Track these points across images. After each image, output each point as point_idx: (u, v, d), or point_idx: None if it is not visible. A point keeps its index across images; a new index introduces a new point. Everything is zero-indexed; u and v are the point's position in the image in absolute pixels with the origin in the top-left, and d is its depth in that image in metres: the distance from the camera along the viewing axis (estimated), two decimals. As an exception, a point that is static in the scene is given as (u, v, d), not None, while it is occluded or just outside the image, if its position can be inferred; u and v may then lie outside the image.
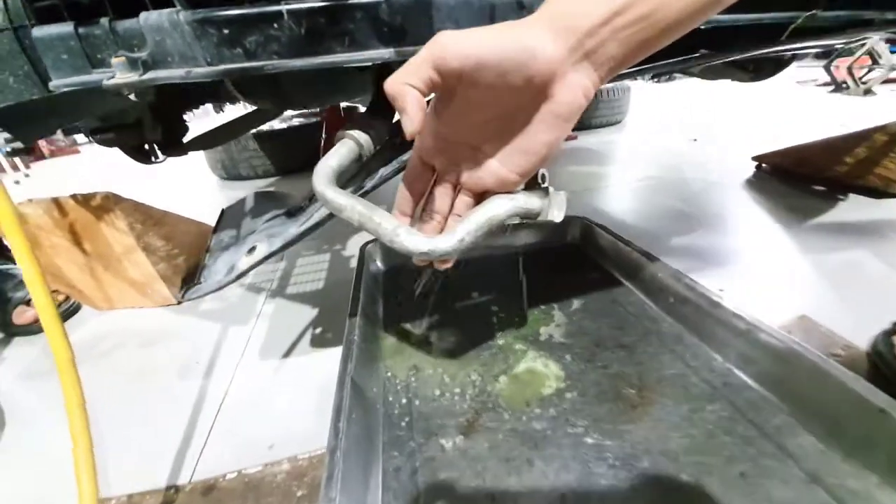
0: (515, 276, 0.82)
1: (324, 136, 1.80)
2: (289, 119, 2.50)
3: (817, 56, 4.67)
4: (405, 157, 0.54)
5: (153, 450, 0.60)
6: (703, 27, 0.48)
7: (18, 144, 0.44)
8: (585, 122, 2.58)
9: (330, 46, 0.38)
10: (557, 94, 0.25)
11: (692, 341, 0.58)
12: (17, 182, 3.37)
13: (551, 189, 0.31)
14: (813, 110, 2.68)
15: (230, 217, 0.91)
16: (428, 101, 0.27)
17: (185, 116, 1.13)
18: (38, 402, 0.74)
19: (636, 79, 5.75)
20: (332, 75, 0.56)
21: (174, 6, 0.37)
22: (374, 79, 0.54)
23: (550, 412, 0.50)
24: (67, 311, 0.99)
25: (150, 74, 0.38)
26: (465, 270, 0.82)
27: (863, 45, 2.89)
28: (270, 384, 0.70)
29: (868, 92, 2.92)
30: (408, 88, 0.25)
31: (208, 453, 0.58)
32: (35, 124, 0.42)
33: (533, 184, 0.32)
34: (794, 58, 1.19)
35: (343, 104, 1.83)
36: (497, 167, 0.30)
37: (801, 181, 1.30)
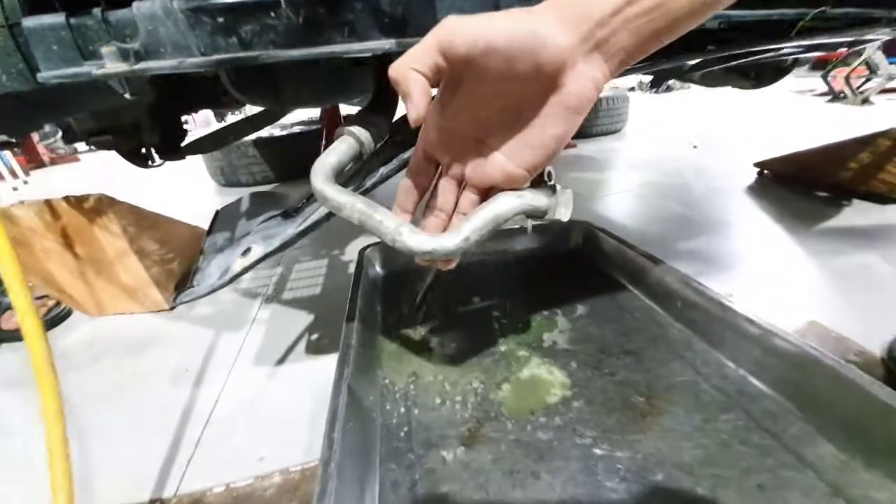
0: (517, 282, 0.80)
1: (323, 142, 1.80)
2: (289, 126, 2.51)
3: (813, 67, 4.73)
4: (406, 154, 0.53)
5: (138, 461, 0.57)
6: (712, 24, 0.47)
7: (4, 138, 0.43)
8: (585, 131, 2.58)
9: (329, 37, 0.37)
10: (567, 85, 0.24)
11: (702, 347, 0.56)
12: (15, 189, 3.36)
13: (559, 186, 0.30)
14: (811, 119, 2.70)
15: (225, 218, 0.89)
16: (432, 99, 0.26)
17: (184, 122, 1.12)
18: (18, 410, 0.71)
19: (640, 84, 5.79)
20: (331, 73, 0.55)
21: (168, -5, 0.35)
22: (374, 77, 0.53)
23: (556, 421, 0.48)
24: (58, 317, 0.97)
25: (142, 65, 0.37)
26: (465, 275, 0.81)
27: (860, 54, 2.92)
28: (263, 392, 0.67)
29: (866, 101, 2.94)
30: (412, 73, 0.24)
31: (195, 465, 0.55)
32: (23, 118, 0.40)
33: (539, 181, 0.30)
34: (795, 64, 1.19)
35: (343, 113, 1.83)
36: (504, 162, 0.28)
37: (804, 187, 1.29)
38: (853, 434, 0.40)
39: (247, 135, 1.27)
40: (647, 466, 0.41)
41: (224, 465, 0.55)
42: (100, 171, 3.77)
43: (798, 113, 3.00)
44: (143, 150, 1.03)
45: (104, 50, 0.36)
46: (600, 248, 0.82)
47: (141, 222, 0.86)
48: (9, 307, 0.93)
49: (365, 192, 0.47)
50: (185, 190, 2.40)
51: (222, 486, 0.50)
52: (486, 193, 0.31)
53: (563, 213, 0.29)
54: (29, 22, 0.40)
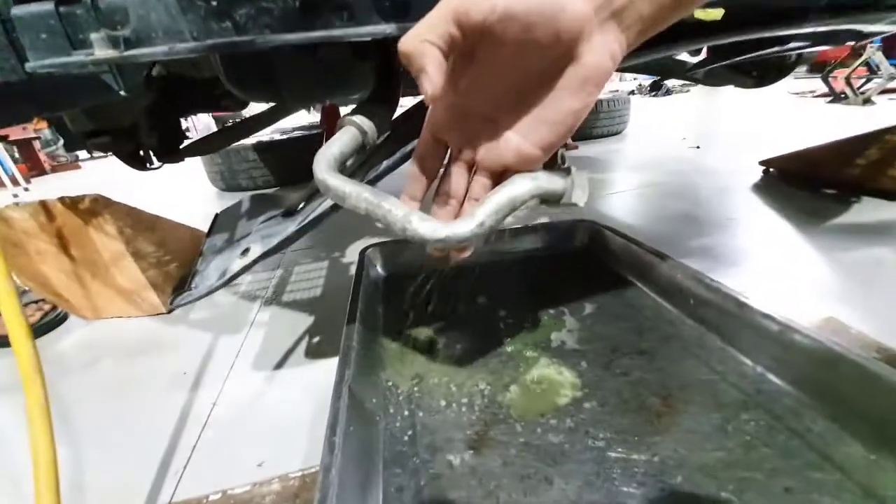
0: (522, 281, 0.78)
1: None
2: (289, 130, 2.50)
3: (812, 69, 4.73)
4: (409, 147, 0.51)
5: (132, 467, 0.55)
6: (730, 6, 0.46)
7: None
8: (586, 132, 2.57)
9: (327, 20, 0.35)
10: (584, 56, 0.23)
11: (717, 345, 0.54)
12: (15, 196, 3.35)
13: (574, 169, 0.28)
14: (813, 120, 2.69)
15: (224, 221, 0.87)
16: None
17: (185, 130, 1.11)
18: (5, 415, 0.69)
19: (639, 87, 5.79)
20: (330, 66, 0.53)
21: (159, -22, 0.34)
22: (374, 68, 0.51)
23: (567, 424, 0.46)
24: (53, 321, 0.95)
25: (132, 51, 0.35)
26: (469, 275, 0.79)
27: (859, 55, 2.92)
28: (261, 396, 0.65)
29: (867, 101, 2.93)
30: (426, 46, 0.22)
31: (192, 471, 0.53)
32: (8, 109, 0.39)
33: (552, 165, 0.29)
34: (798, 61, 1.18)
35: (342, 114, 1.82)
36: (518, 141, 0.26)
37: (811, 185, 1.27)
38: (882, 433, 0.38)
39: (246, 137, 1.26)
40: (666, 470, 0.39)
41: (221, 470, 0.52)
42: (101, 178, 3.78)
43: (799, 114, 2.99)
44: (142, 153, 1.02)
45: (93, 36, 0.35)
46: (607, 246, 0.80)
47: (138, 224, 0.84)
48: None
49: (367, 186, 0.45)
50: (185, 195, 2.40)
51: (219, 492, 0.48)
52: (498, 177, 0.29)
53: (580, 197, 0.27)
54: (17, 10, 0.39)
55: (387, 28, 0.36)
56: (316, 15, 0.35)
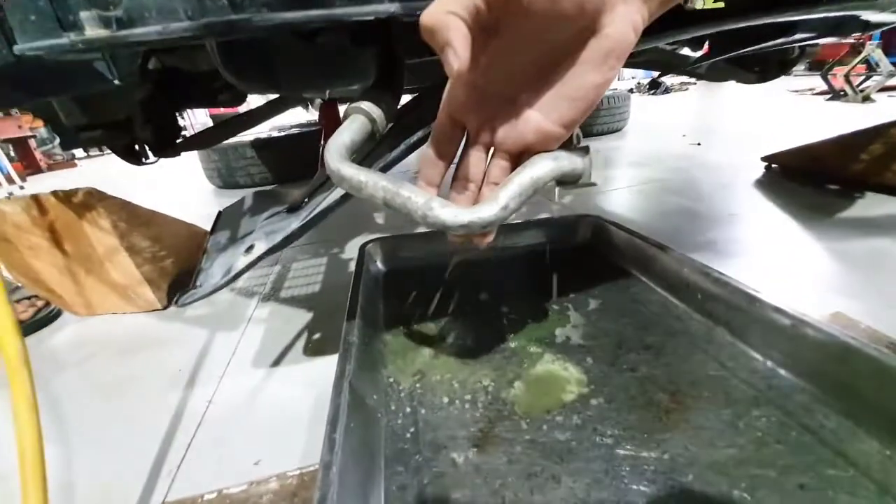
0: (525, 277, 0.77)
1: (323, 143, 1.77)
2: (287, 127, 2.49)
3: (811, 67, 4.74)
4: (414, 138, 0.50)
5: (125, 466, 0.53)
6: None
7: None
8: (586, 129, 2.56)
9: (327, -1, 0.34)
10: (607, 27, 0.22)
11: (726, 340, 0.53)
12: (10, 194, 3.32)
13: (591, 148, 0.27)
14: (813, 117, 2.68)
15: (227, 218, 0.86)
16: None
17: (183, 129, 1.09)
18: None
19: (638, 85, 5.78)
20: (330, 53, 0.52)
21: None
22: (376, 55, 0.50)
23: (574, 420, 0.44)
24: (46, 318, 0.93)
25: (124, 32, 0.34)
26: (471, 271, 0.77)
27: (858, 53, 2.92)
28: (259, 393, 0.64)
29: (867, 99, 2.93)
30: (451, 18, 0.21)
31: (186, 470, 0.52)
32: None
33: (567, 145, 0.28)
34: (800, 56, 1.17)
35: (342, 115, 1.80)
36: (539, 119, 0.25)
37: (815, 180, 1.26)
38: (899, 429, 0.37)
39: (243, 131, 1.24)
40: (676, 467, 0.38)
41: (217, 469, 0.51)
42: (97, 176, 3.75)
43: (798, 111, 2.98)
44: (137, 147, 1.00)
45: (83, 14, 0.33)
46: (611, 241, 0.79)
47: (132, 218, 0.83)
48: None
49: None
50: (182, 193, 2.38)
51: (214, 492, 0.46)
52: (516, 159, 0.28)
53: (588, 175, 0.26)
54: (4, -9, 0.37)
55: (391, 7, 0.35)
56: (316, -7, 0.34)
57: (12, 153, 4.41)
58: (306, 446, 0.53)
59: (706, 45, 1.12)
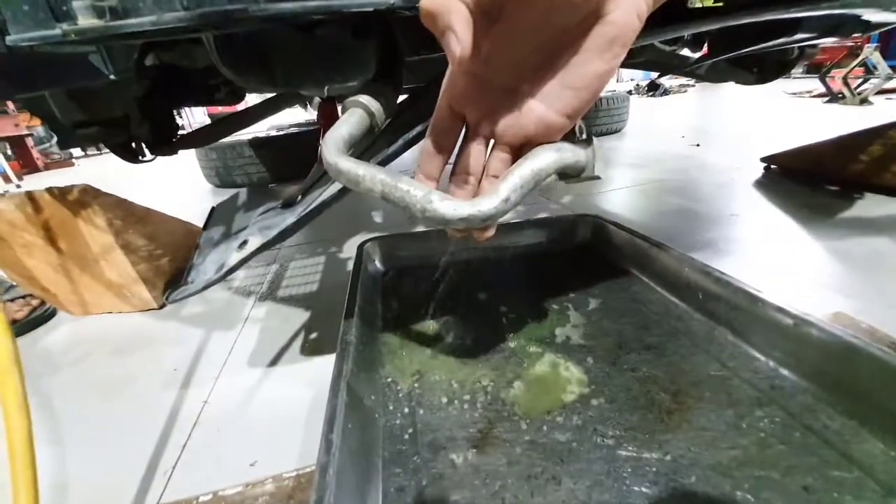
0: (524, 276, 0.77)
1: (321, 143, 1.77)
2: (285, 127, 2.48)
3: (809, 70, 4.76)
4: (412, 133, 0.49)
5: (119, 467, 0.52)
6: None
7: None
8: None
9: (326, -10, 0.33)
10: (611, 13, 0.21)
11: (727, 340, 0.52)
12: (5, 192, 3.30)
13: (595, 140, 0.26)
14: (811, 119, 2.69)
15: (221, 214, 0.85)
16: None
17: (180, 127, 1.09)
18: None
19: (636, 87, 5.79)
20: (329, 47, 0.51)
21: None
22: (376, 51, 0.49)
23: (574, 421, 0.44)
24: (41, 317, 0.92)
25: (118, 22, 0.33)
26: (470, 270, 0.77)
27: (856, 55, 2.93)
28: (255, 394, 0.63)
29: (864, 101, 2.94)
30: (452, 1, 0.20)
31: (181, 471, 0.51)
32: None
33: (570, 137, 0.27)
34: (799, 57, 1.17)
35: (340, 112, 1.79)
36: (542, 110, 0.25)
37: (814, 181, 1.26)
38: (904, 430, 0.37)
39: (240, 129, 1.23)
40: (678, 469, 0.38)
41: (212, 470, 0.50)
42: (94, 175, 3.73)
43: (796, 113, 2.99)
44: (133, 145, 0.99)
45: (76, 4, 0.32)
46: (611, 241, 0.79)
47: (128, 216, 0.82)
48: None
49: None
50: (179, 191, 2.36)
51: (210, 493, 0.46)
52: (517, 151, 0.27)
53: (602, 169, 0.25)
54: (-4, -19, 0.37)
55: (391, -1, 0.34)
56: (314, -15, 0.33)
57: (9, 152, 4.39)
58: (303, 447, 0.52)
59: (705, 46, 1.12)
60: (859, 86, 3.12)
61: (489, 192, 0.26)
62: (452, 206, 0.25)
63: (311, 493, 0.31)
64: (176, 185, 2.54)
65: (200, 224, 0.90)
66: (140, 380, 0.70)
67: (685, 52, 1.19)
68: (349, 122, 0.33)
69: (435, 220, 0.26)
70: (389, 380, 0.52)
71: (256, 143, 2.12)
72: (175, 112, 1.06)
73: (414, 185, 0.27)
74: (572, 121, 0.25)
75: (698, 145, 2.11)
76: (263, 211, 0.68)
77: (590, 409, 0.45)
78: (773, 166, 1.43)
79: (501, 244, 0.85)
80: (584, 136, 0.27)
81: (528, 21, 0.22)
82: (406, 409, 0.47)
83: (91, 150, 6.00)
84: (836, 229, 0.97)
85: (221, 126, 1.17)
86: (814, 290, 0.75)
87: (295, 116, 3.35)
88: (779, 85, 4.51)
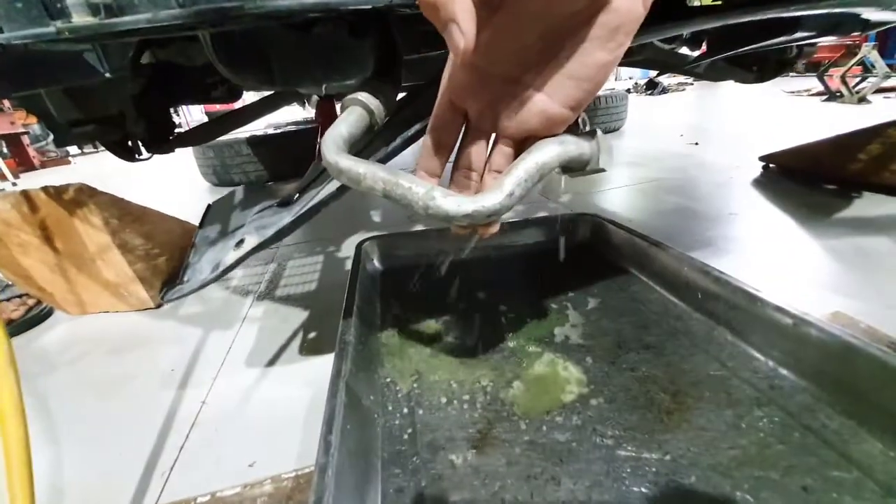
0: (523, 276, 0.77)
1: (319, 141, 1.76)
2: (283, 125, 2.47)
3: (807, 68, 4.76)
4: (411, 132, 0.49)
5: (116, 468, 0.52)
6: None
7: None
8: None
9: (324, -12, 0.33)
10: (615, 1, 0.21)
11: (726, 339, 0.52)
12: (1, 190, 3.29)
13: (598, 132, 0.26)
14: (809, 118, 2.69)
15: (217, 212, 0.84)
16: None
17: (177, 125, 1.08)
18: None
19: (635, 86, 5.78)
20: (327, 46, 0.51)
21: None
22: (375, 49, 0.49)
23: (574, 421, 0.44)
24: (37, 317, 0.92)
25: (113, 20, 0.33)
26: (468, 270, 0.77)
27: (854, 54, 2.93)
28: (253, 394, 0.62)
29: (862, 100, 2.94)
30: None
31: (179, 472, 0.50)
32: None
33: (573, 130, 0.27)
34: (798, 56, 1.17)
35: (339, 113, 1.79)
36: (544, 102, 0.24)
37: (812, 180, 1.26)
38: (903, 430, 0.37)
39: (238, 127, 1.23)
40: (678, 469, 0.38)
41: (210, 471, 0.50)
42: (91, 173, 3.71)
43: (795, 112, 2.99)
44: (130, 143, 0.98)
45: (70, 1, 0.32)
46: (609, 240, 0.79)
47: (124, 215, 0.81)
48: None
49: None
50: (176, 190, 2.35)
51: (207, 494, 0.45)
52: (519, 145, 0.27)
53: (606, 162, 0.25)
54: (-11, -22, 0.36)
55: (387, -3, 0.34)
56: (311, -18, 0.33)
57: (5, 150, 4.36)
58: (302, 448, 0.52)
59: (704, 45, 1.11)
60: (857, 84, 3.12)
61: (493, 188, 0.26)
62: (456, 203, 0.25)
63: (310, 494, 0.31)
64: (173, 184, 2.52)
65: (197, 223, 0.89)
66: (137, 380, 0.69)
67: (684, 50, 1.19)
68: (348, 121, 0.33)
69: (438, 217, 0.25)
70: (388, 380, 0.52)
71: (254, 141, 2.11)
72: (172, 110, 1.06)
73: (416, 182, 0.26)
74: (575, 113, 0.25)
75: (697, 144, 2.12)
76: (260, 209, 0.68)
77: (589, 409, 0.45)
78: (771, 165, 1.43)
79: (500, 243, 0.85)
80: (588, 129, 0.27)
81: (530, 10, 0.22)
82: (405, 410, 0.47)
83: (88, 148, 5.96)
84: (835, 228, 0.98)
85: (219, 124, 1.16)
86: (812, 290, 0.75)
87: (293, 114, 3.34)
88: (777, 83, 4.52)
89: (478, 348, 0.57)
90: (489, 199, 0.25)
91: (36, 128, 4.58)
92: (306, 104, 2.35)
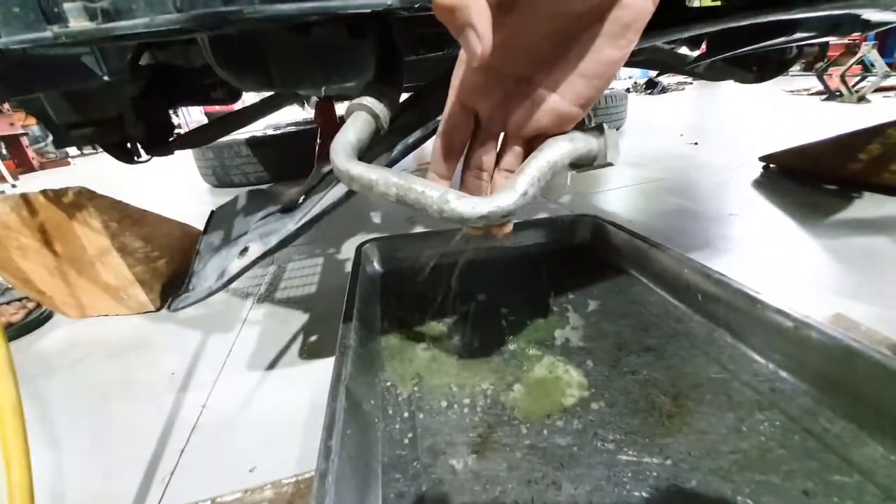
0: (523, 278, 0.76)
1: (319, 141, 1.76)
2: (283, 126, 2.47)
3: (807, 68, 4.76)
4: (411, 139, 0.49)
5: (116, 473, 0.52)
6: None
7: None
8: (583, 129, 2.56)
9: (322, -8, 0.33)
10: None
11: (727, 342, 0.52)
12: (1, 192, 3.28)
13: (606, 126, 0.26)
14: (809, 117, 2.69)
15: (220, 218, 0.84)
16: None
17: (177, 126, 1.08)
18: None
19: (634, 85, 5.78)
20: (326, 48, 0.51)
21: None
22: (375, 51, 0.49)
23: (575, 425, 0.44)
24: (37, 320, 0.91)
25: (110, 24, 0.32)
26: (468, 272, 0.76)
27: (854, 53, 2.93)
28: (254, 398, 0.62)
29: (862, 99, 2.94)
30: None
31: (179, 477, 0.50)
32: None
33: (580, 126, 0.27)
34: (798, 56, 1.17)
35: (339, 112, 1.78)
36: (555, 100, 0.24)
37: (813, 180, 1.26)
38: (904, 434, 0.37)
39: (237, 129, 1.23)
40: (679, 473, 0.37)
41: (210, 476, 0.50)
42: (90, 175, 3.71)
43: (794, 111, 2.99)
44: (129, 145, 0.98)
45: (67, 6, 0.32)
46: (610, 242, 0.78)
47: (124, 218, 0.81)
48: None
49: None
50: (177, 191, 2.35)
51: (208, 500, 0.45)
52: (529, 144, 0.27)
53: (615, 157, 0.25)
54: (-14, -17, 0.36)
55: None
56: (310, -14, 0.32)
57: (4, 151, 4.36)
58: (302, 452, 0.52)
59: (703, 45, 1.11)
60: (857, 84, 3.12)
61: (506, 188, 0.26)
62: (471, 205, 0.25)
63: (311, 499, 0.31)
64: (173, 185, 2.52)
65: (197, 225, 0.89)
66: (137, 383, 0.69)
67: (683, 50, 1.19)
68: (355, 127, 0.33)
69: (453, 220, 0.25)
70: (389, 384, 0.52)
71: (254, 143, 2.11)
72: (171, 112, 1.06)
73: (428, 185, 0.26)
74: (585, 110, 0.25)
75: (696, 144, 2.11)
76: (263, 216, 0.68)
77: (590, 412, 0.45)
78: (771, 165, 1.43)
79: (500, 245, 0.85)
80: (594, 125, 0.27)
81: (542, 9, 0.21)
82: (405, 414, 0.47)
83: (87, 149, 5.96)
84: (835, 229, 0.98)
85: (218, 125, 1.16)
86: (812, 291, 0.75)
87: (292, 115, 3.34)
88: (777, 83, 4.52)
89: (478, 351, 0.57)
90: (504, 199, 0.25)
91: (35, 129, 4.56)
92: (305, 105, 2.35)
